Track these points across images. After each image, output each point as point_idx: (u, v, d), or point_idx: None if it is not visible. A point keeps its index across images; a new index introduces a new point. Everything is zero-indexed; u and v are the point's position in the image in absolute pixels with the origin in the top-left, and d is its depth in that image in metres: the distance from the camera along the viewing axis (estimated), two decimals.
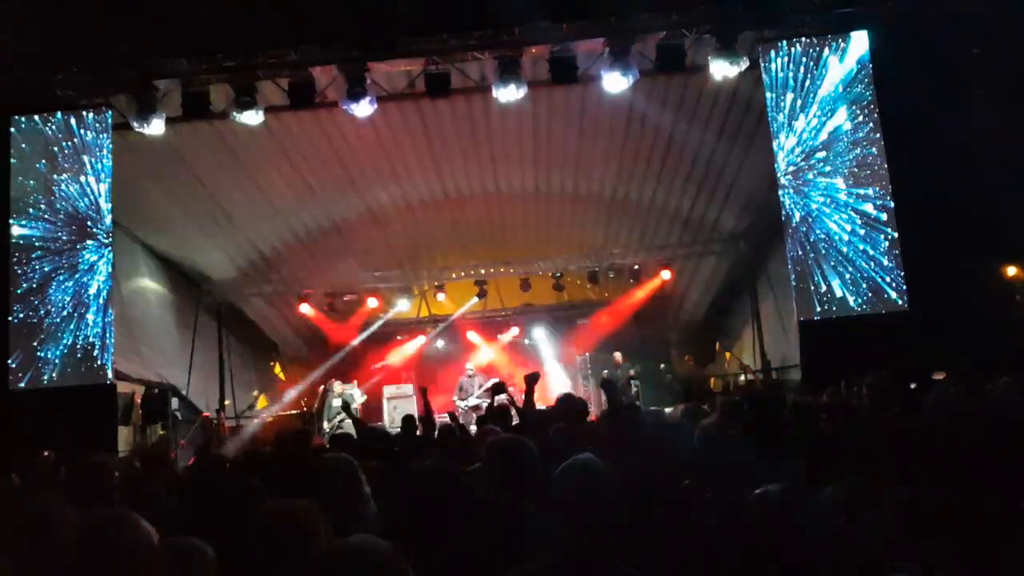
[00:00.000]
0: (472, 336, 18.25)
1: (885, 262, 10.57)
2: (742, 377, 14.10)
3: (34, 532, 2.61)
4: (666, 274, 17.07)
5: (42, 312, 11.40)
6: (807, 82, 10.96)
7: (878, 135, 10.72)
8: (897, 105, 10.69)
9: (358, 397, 15.23)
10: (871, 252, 10.60)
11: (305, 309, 17.64)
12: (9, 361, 11.24)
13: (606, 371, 15.22)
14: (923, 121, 10.41)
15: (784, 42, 11.07)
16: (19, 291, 11.42)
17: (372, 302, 17.87)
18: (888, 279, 10.52)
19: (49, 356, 11.29)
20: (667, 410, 6.89)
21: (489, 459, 3.43)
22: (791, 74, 10.96)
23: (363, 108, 11.28)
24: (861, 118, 10.84)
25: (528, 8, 10.46)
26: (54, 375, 11.25)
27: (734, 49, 10.90)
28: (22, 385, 11.21)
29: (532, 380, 6.02)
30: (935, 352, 9.17)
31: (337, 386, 15.17)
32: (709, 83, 11.66)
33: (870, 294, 10.56)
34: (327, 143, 13.23)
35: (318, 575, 1.57)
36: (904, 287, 10.46)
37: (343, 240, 16.22)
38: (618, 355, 15.27)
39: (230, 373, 16.85)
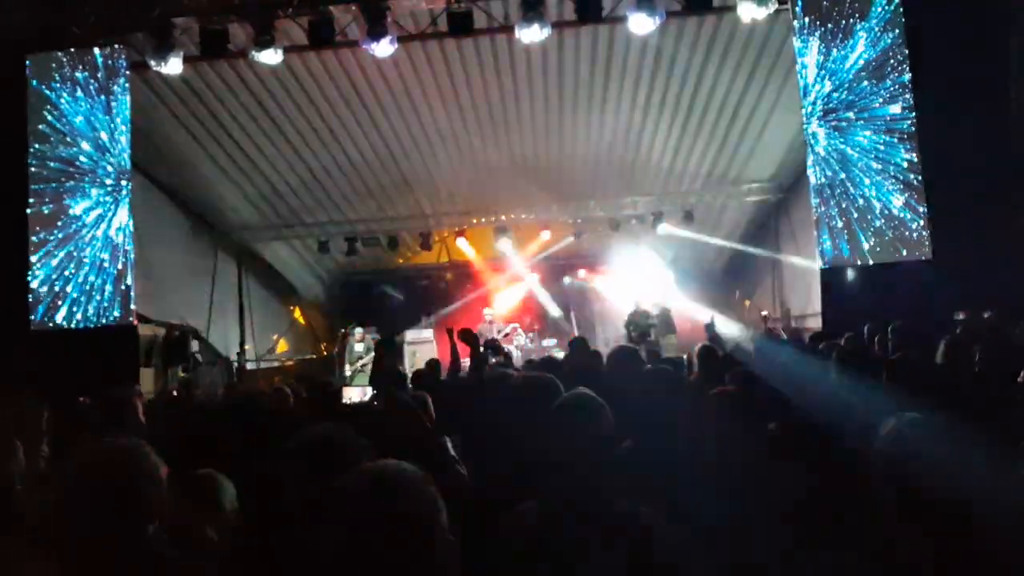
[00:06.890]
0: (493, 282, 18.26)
1: (910, 211, 10.31)
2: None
3: None
4: (688, 221, 16.83)
5: (62, 253, 11.40)
6: (837, 26, 10.63)
7: (907, 82, 10.40)
8: (928, 51, 10.36)
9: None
10: (896, 200, 10.34)
11: (325, 252, 17.62)
12: (29, 300, 11.29)
13: (625, 316, 15.16)
14: (954, 68, 10.12)
15: None
16: (38, 232, 11.43)
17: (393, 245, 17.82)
18: (913, 228, 10.28)
19: (69, 296, 11.32)
20: None
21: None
22: (820, 17, 10.65)
23: (383, 48, 11.08)
24: (891, 65, 10.51)
25: None
26: (74, 315, 11.30)
27: None
28: (42, 323, 11.26)
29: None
30: (957, 301, 9.06)
31: (357, 331, 15.21)
32: (738, 26, 11.42)
33: (894, 243, 10.35)
34: (348, 84, 13.06)
35: (353, 494, 1.52)
36: (928, 236, 10.23)
37: (364, 184, 16.12)
38: (639, 302, 15.17)
39: (250, 317, 16.95)
